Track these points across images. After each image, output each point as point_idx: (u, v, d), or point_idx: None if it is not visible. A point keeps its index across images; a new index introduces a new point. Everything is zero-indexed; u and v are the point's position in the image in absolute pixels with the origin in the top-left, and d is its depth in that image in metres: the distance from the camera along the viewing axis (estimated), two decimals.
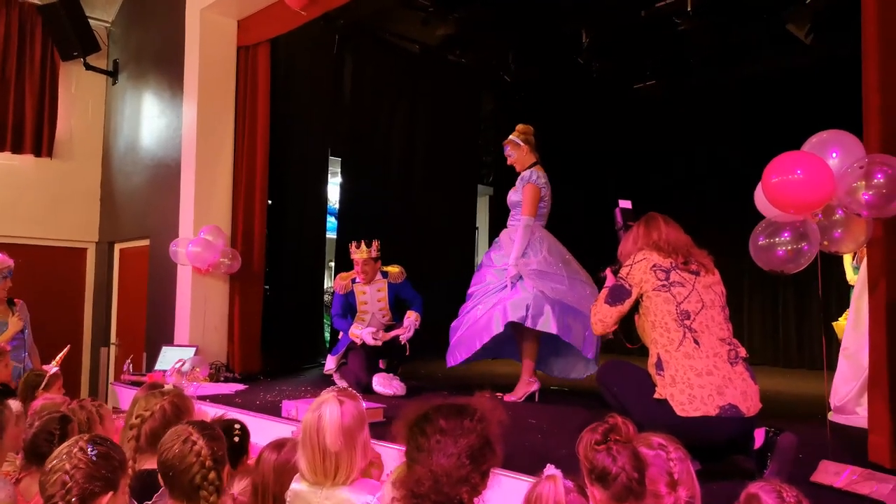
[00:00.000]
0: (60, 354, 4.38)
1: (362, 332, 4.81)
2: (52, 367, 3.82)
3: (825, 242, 2.66)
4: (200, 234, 5.71)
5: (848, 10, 3.79)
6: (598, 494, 1.68)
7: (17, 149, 7.22)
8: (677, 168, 7.99)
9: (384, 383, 4.70)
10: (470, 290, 4.72)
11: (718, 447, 2.60)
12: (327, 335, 7.00)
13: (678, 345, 2.64)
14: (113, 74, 7.70)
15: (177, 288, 6.06)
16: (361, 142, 7.38)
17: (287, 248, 6.51)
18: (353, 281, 4.99)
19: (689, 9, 5.52)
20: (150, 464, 2.27)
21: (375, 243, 4.94)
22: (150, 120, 6.99)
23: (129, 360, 5.73)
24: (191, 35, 6.19)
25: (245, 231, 6.03)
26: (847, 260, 4.46)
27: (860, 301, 3.66)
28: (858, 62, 2.85)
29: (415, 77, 7.73)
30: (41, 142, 7.33)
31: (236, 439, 2.44)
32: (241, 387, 5.22)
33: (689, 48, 6.59)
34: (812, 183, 2.53)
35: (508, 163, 4.72)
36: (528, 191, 4.51)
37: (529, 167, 4.60)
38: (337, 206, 7.61)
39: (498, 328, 4.31)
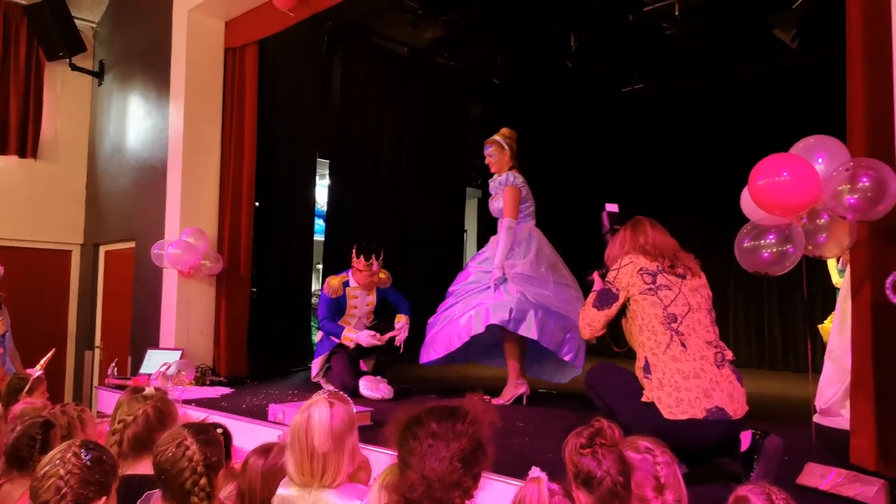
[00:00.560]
0: (45, 358, 4.32)
1: (359, 335, 4.77)
2: (37, 371, 3.78)
3: (809, 247, 2.67)
4: (182, 237, 5.64)
5: (833, 15, 3.81)
6: (583, 498, 1.68)
7: (1, 150, 7.13)
8: (665, 171, 8.03)
9: (371, 387, 4.66)
10: (451, 289, 4.69)
11: (705, 450, 2.61)
12: (314, 339, 6.96)
13: (665, 348, 2.65)
14: (99, 75, 7.63)
15: (162, 291, 6.01)
16: (350, 144, 7.36)
17: (274, 250, 6.48)
18: (345, 284, 4.96)
19: (676, 13, 5.56)
20: (133, 469, 2.24)
21: (381, 256, 4.86)
22: (136, 121, 6.93)
23: (113, 364, 5.66)
24: (178, 36, 6.15)
25: (232, 233, 5.98)
26: (832, 264, 4.48)
27: (846, 304, 3.67)
28: (845, 65, 2.86)
29: (403, 79, 7.71)
30: (26, 143, 7.24)
31: None
32: (227, 390, 5.18)
33: (678, 52, 6.63)
34: (798, 185, 2.55)
35: (487, 162, 4.68)
36: (507, 193, 4.51)
37: (506, 171, 4.60)
38: (325, 208, 7.58)
39: (478, 328, 4.28)
